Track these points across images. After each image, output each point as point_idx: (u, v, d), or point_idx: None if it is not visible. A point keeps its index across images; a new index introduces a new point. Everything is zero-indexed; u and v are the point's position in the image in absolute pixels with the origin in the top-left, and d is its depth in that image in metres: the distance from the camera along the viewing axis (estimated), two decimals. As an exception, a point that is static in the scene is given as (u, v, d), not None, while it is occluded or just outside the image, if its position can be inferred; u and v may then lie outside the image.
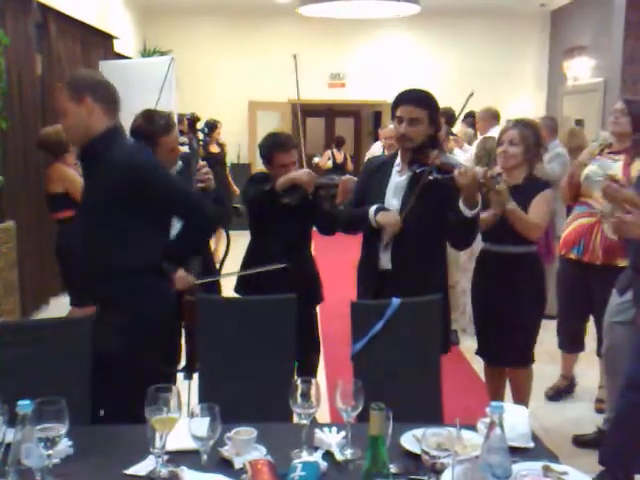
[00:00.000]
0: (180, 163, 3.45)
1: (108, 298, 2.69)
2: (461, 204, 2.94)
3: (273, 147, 3.51)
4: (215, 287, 3.59)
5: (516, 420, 2.06)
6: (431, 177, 3.00)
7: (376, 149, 11.21)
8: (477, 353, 3.83)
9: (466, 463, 1.63)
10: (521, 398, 3.70)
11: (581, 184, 4.10)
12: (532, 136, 3.55)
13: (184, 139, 3.70)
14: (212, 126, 8.46)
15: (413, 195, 3.06)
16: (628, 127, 3.96)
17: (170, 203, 2.76)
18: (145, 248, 2.70)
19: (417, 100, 3.11)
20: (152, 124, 3.24)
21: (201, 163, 3.43)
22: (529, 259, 3.59)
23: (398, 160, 3.22)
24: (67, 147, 4.77)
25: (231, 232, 3.86)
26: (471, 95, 3.08)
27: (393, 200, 3.16)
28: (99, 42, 8.94)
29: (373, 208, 3.13)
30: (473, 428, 2.06)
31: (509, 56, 12.28)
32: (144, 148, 2.87)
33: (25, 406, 1.58)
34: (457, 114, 3.16)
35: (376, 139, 12.15)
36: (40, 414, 1.70)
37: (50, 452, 1.73)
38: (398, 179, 3.18)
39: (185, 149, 3.81)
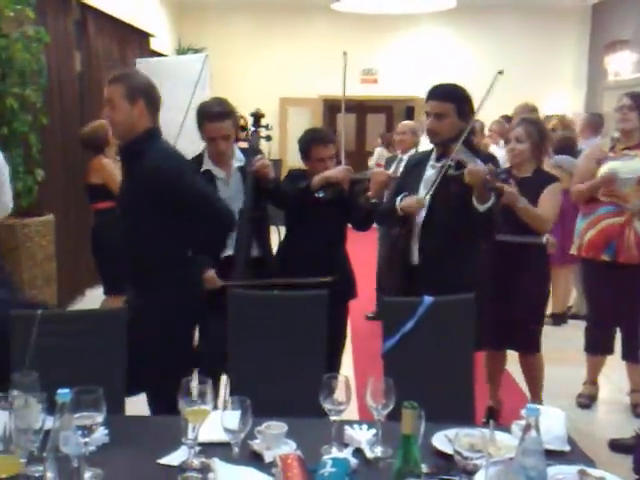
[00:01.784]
0: (242, 157, 3.48)
1: (142, 286, 2.93)
2: (474, 199, 3.01)
3: (312, 140, 3.56)
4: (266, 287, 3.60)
5: (552, 422, 2.05)
6: (451, 172, 3.05)
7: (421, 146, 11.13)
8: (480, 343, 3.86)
9: (500, 465, 1.62)
10: (536, 389, 3.88)
11: (604, 183, 4.07)
12: (537, 132, 3.75)
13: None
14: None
15: (431, 189, 3.14)
16: (637, 122, 3.99)
17: (191, 206, 2.90)
18: (174, 243, 2.91)
19: (442, 95, 3.19)
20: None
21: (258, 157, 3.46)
22: (534, 249, 3.72)
23: (433, 155, 3.30)
24: (108, 141, 4.94)
25: (281, 227, 3.86)
26: (500, 73, 3.08)
27: (424, 193, 3.23)
28: (135, 40, 9.04)
29: (399, 197, 3.25)
30: (506, 429, 2.06)
31: (546, 51, 12.14)
32: (175, 153, 3.01)
33: (64, 395, 1.62)
34: (484, 96, 3.16)
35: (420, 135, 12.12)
36: (78, 403, 1.73)
37: (87, 440, 1.77)
38: (430, 172, 3.26)
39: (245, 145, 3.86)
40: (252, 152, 3.53)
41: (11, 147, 4.86)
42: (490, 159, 3.19)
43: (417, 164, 3.42)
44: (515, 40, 12.11)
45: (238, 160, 3.47)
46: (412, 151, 5.92)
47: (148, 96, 2.88)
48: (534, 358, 3.87)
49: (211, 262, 3.29)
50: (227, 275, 3.33)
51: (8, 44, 4.68)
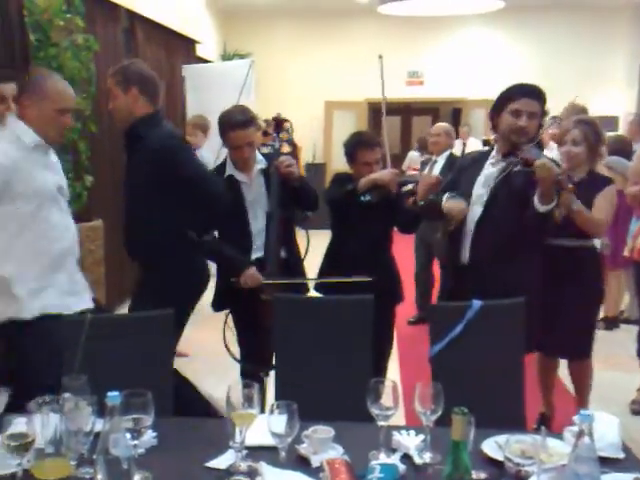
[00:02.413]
0: (263, 160, 3.51)
1: (146, 263, 3.36)
2: (535, 199, 2.95)
3: (357, 144, 3.55)
4: (301, 286, 3.62)
5: (605, 429, 1.99)
6: (516, 169, 3.01)
7: (455, 148, 11.01)
8: (532, 347, 3.79)
9: (552, 472, 1.59)
10: (583, 395, 3.77)
11: None
12: (593, 134, 3.61)
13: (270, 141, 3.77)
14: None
15: (493, 184, 3.10)
16: None
17: (186, 183, 3.17)
18: (175, 223, 3.22)
19: (537, 94, 3.16)
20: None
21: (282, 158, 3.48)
22: (587, 253, 3.62)
23: (494, 153, 3.25)
24: None
25: (310, 231, 3.88)
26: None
27: (481, 190, 3.19)
28: (182, 46, 9.16)
29: (446, 195, 3.21)
30: (558, 436, 2.02)
31: (597, 51, 11.95)
32: (173, 134, 3.32)
33: (114, 397, 1.63)
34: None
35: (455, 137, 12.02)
36: (127, 405, 1.76)
37: (136, 442, 1.79)
38: (490, 170, 3.21)
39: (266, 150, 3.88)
40: (275, 156, 3.55)
41: (61, 154, 4.95)
42: (553, 162, 3.14)
43: (474, 162, 3.37)
44: (564, 40, 11.95)
45: (260, 163, 3.50)
46: (446, 153, 5.89)
47: (141, 83, 3.21)
48: (584, 364, 3.79)
49: (249, 260, 3.37)
50: None
51: (58, 52, 4.76)
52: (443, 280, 3.52)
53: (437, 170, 5.71)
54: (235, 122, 3.34)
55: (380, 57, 3.74)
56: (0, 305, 2.75)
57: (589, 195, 3.51)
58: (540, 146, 3.23)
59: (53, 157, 2.97)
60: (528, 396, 2.67)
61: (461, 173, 3.40)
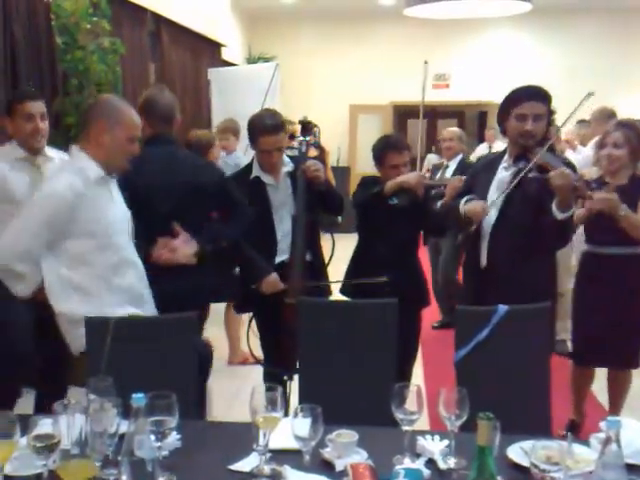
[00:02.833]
0: (290, 162, 3.52)
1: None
2: (554, 206, 2.91)
3: (386, 147, 3.53)
4: (325, 290, 3.62)
5: (633, 435, 1.96)
6: (530, 175, 2.97)
7: (481, 151, 10.90)
8: (571, 355, 3.72)
9: (579, 478, 1.57)
10: (620, 402, 3.71)
11: None
12: (635, 137, 3.52)
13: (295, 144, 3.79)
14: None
15: (507, 190, 3.06)
16: None
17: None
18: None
19: (541, 96, 3.12)
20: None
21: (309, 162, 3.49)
22: (634, 260, 3.52)
23: (506, 156, 3.21)
24: (212, 144, 5.18)
25: (335, 235, 3.88)
26: (589, 95, 3.00)
27: (495, 194, 3.16)
28: (207, 50, 9.22)
29: (464, 199, 3.19)
30: (584, 442, 1.99)
31: (627, 54, 11.79)
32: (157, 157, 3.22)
33: (139, 399, 1.64)
34: (570, 114, 3.10)
35: (480, 141, 11.94)
36: (152, 407, 1.76)
37: (160, 444, 1.79)
38: (503, 174, 3.18)
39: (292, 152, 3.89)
40: (302, 160, 3.55)
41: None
42: (568, 166, 3.10)
43: (487, 165, 3.35)
44: (591, 42, 11.83)
45: (287, 166, 3.50)
46: (458, 157, 5.86)
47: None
48: (627, 373, 3.71)
49: (271, 266, 3.39)
50: (283, 279, 3.40)
51: (85, 56, 4.82)
52: (466, 284, 3.48)
53: (449, 175, 5.71)
54: (266, 127, 3.34)
55: (425, 63, 3.73)
56: None
57: (632, 200, 3.40)
58: (552, 148, 3.17)
59: (115, 189, 2.89)
60: (554, 401, 2.64)
61: (475, 177, 3.38)
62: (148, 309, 2.89)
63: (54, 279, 2.72)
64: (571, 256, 5.28)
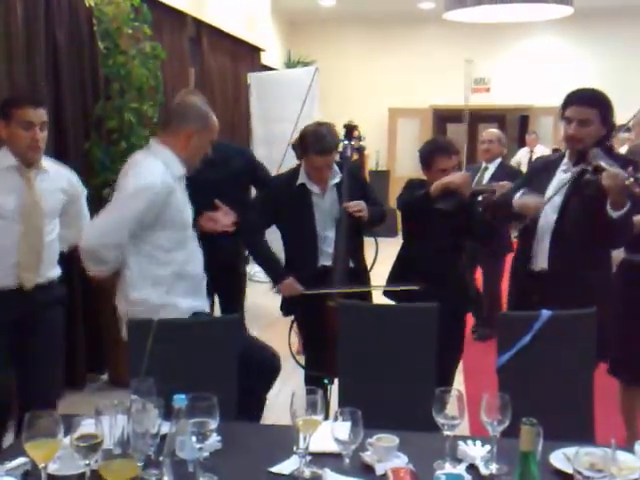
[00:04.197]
0: (339, 174, 3.50)
1: None
2: (608, 205, 2.84)
3: (435, 150, 3.46)
4: (365, 295, 3.61)
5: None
6: (587, 177, 2.91)
7: (521, 155, 10.71)
8: (611, 372, 3.62)
9: (624, 486, 1.54)
10: None
11: None
12: None
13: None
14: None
15: (565, 192, 3.01)
16: None
17: None
18: None
19: (587, 100, 3.03)
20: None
21: None
22: None
23: (566, 159, 3.15)
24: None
25: (379, 239, 3.87)
26: None
27: (554, 197, 3.08)
28: (247, 54, 9.26)
29: (519, 193, 3.13)
30: (628, 450, 1.95)
31: (669, 58, 11.56)
32: None
33: (181, 400, 1.65)
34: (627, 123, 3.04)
35: (521, 145, 11.81)
36: (193, 409, 1.77)
37: (201, 446, 1.80)
38: (562, 176, 3.11)
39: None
40: (346, 164, 3.54)
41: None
42: (630, 163, 3.04)
43: (545, 167, 3.27)
44: (634, 46, 11.59)
45: (335, 177, 3.49)
46: (498, 160, 5.74)
47: None
48: None
49: (314, 270, 3.40)
50: (324, 284, 3.41)
51: (126, 60, 4.88)
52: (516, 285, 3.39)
53: (487, 178, 5.59)
54: (322, 148, 3.33)
55: (468, 61, 3.67)
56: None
57: None
58: (609, 150, 3.08)
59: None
60: (598, 410, 2.60)
61: (533, 177, 3.31)
62: (203, 301, 3.03)
63: (135, 268, 2.82)
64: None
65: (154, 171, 2.78)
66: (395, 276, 3.57)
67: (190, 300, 2.91)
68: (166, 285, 2.84)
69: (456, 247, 3.57)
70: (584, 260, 3.00)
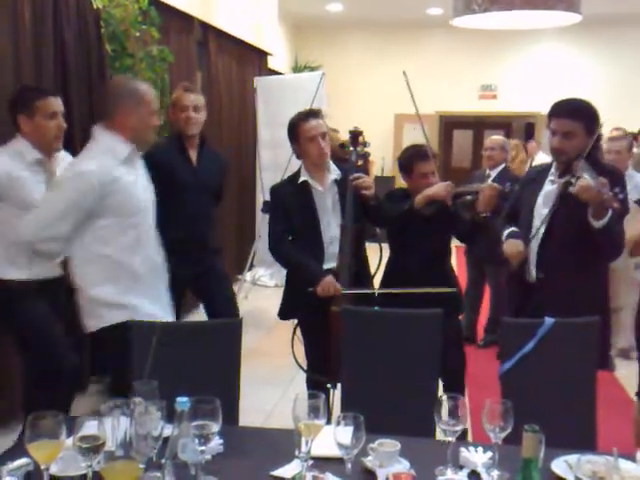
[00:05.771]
0: (338, 170, 3.52)
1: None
2: (589, 215, 2.85)
3: (414, 156, 3.55)
4: (373, 300, 3.60)
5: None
6: (570, 189, 2.90)
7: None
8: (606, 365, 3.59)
9: (626, 494, 1.54)
10: None
11: None
12: None
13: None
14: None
15: (552, 203, 3.03)
16: None
17: None
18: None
19: (571, 112, 3.02)
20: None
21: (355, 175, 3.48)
22: None
23: (553, 169, 3.16)
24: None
25: (383, 245, 3.86)
26: None
27: (543, 209, 3.12)
28: (254, 58, 9.27)
29: (506, 233, 3.18)
30: (630, 458, 1.95)
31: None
32: None
33: (183, 403, 1.65)
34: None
35: (527, 152, 11.79)
36: (195, 412, 1.78)
37: (203, 448, 1.80)
38: (549, 188, 3.13)
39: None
40: (351, 170, 3.53)
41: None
42: (614, 174, 3.03)
43: (535, 177, 3.29)
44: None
45: (334, 173, 3.49)
46: (500, 167, 5.75)
47: None
48: None
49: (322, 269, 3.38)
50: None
51: (134, 63, 4.88)
52: (510, 297, 3.41)
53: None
54: (300, 115, 3.42)
55: (404, 73, 3.75)
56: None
57: None
58: (595, 162, 3.05)
59: (141, 167, 3.01)
60: (600, 419, 2.59)
61: (524, 188, 3.33)
62: (164, 308, 3.01)
63: (81, 257, 2.83)
64: (632, 270, 5.13)
65: (89, 159, 2.80)
66: (387, 284, 3.59)
67: (146, 302, 2.88)
68: (114, 275, 2.83)
69: (443, 250, 3.62)
70: (575, 271, 3.00)
